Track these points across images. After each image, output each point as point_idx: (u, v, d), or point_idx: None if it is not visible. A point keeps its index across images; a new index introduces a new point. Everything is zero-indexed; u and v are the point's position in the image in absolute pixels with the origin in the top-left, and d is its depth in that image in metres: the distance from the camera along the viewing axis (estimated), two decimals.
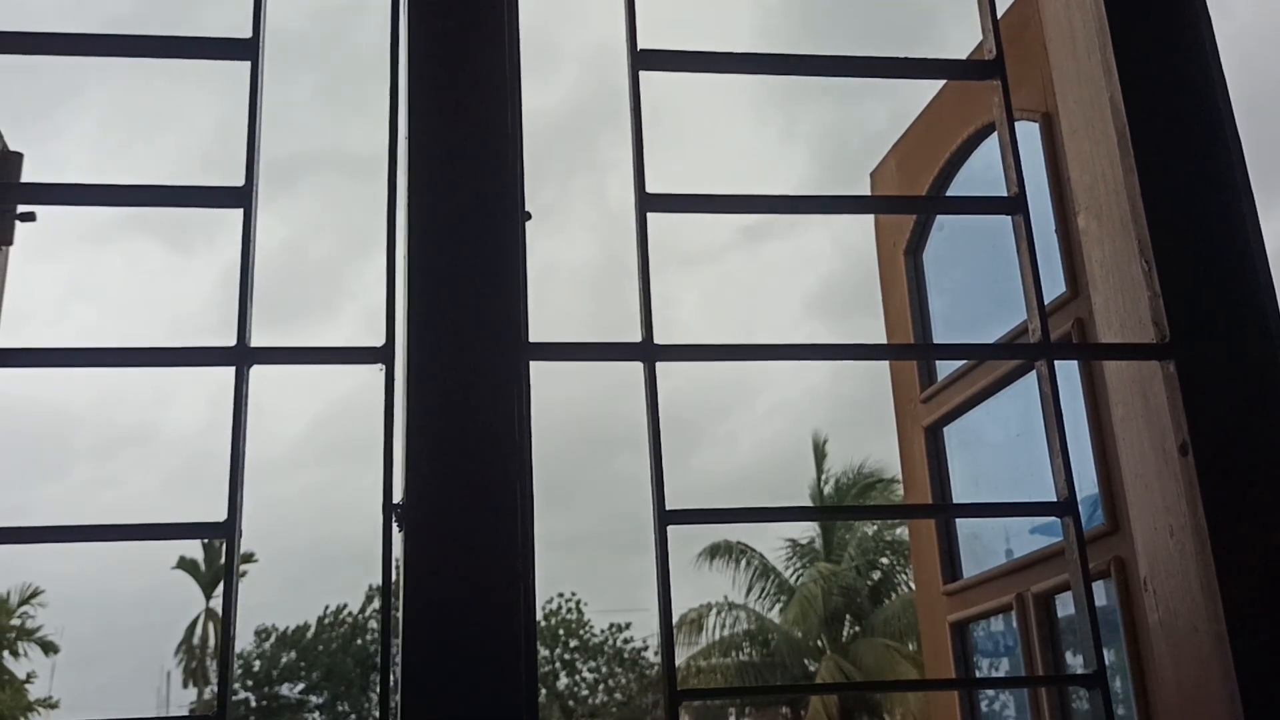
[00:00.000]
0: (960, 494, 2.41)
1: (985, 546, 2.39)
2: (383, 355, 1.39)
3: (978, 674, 2.37)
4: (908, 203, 2.42)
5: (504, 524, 1.33)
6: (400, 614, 1.32)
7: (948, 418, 2.41)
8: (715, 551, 23.11)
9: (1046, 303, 2.02)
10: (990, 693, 2.51)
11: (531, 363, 1.44)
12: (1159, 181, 1.58)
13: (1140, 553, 1.64)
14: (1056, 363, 1.53)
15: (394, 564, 1.33)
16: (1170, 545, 1.57)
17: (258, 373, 1.38)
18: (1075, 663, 2.13)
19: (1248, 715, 1.39)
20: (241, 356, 1.37)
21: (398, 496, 1.35)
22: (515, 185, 1.49)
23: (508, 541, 1.33)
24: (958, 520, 2.46)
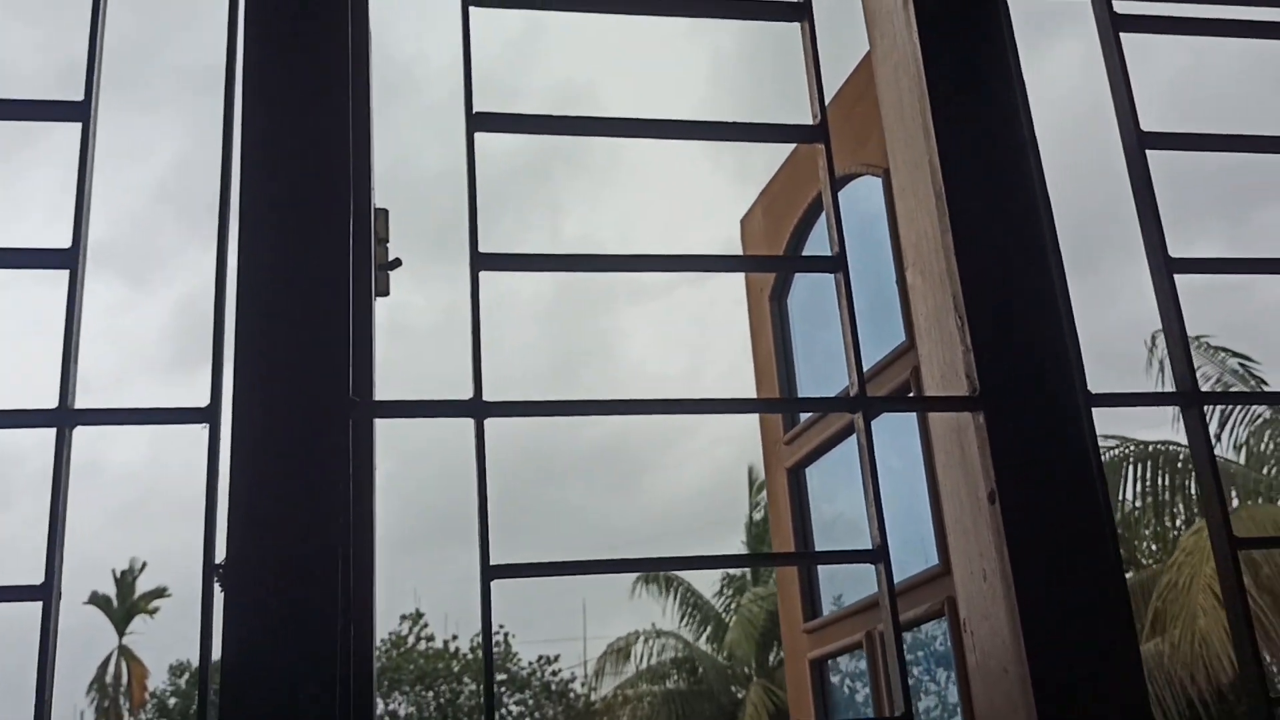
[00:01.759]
0: (819, 534, 2.48)
1: (842, 585, 2.46)
2: (208, 415, 1.41)
3: (836, 709, 2.43)
4: (745, 262, 2.49)
5: (324, 587, 1.35)
6: (218, 675, 1.33)
7: (809, 459, 2.47)
8: (646, 580, 23.11)
9: (889, 351, 2.11)
10: None
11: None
12: (971, 241, 1.66)
13: (960, 595, 1.71)
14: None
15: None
16: (984, 589, 1.64)
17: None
18: (927, 701, 2.19)
19: None
20: (64, 418, 1.38)
21: (221, 555, 1.37)
22: (345, 239, 1.52)
23: (327, 604, 1.35)
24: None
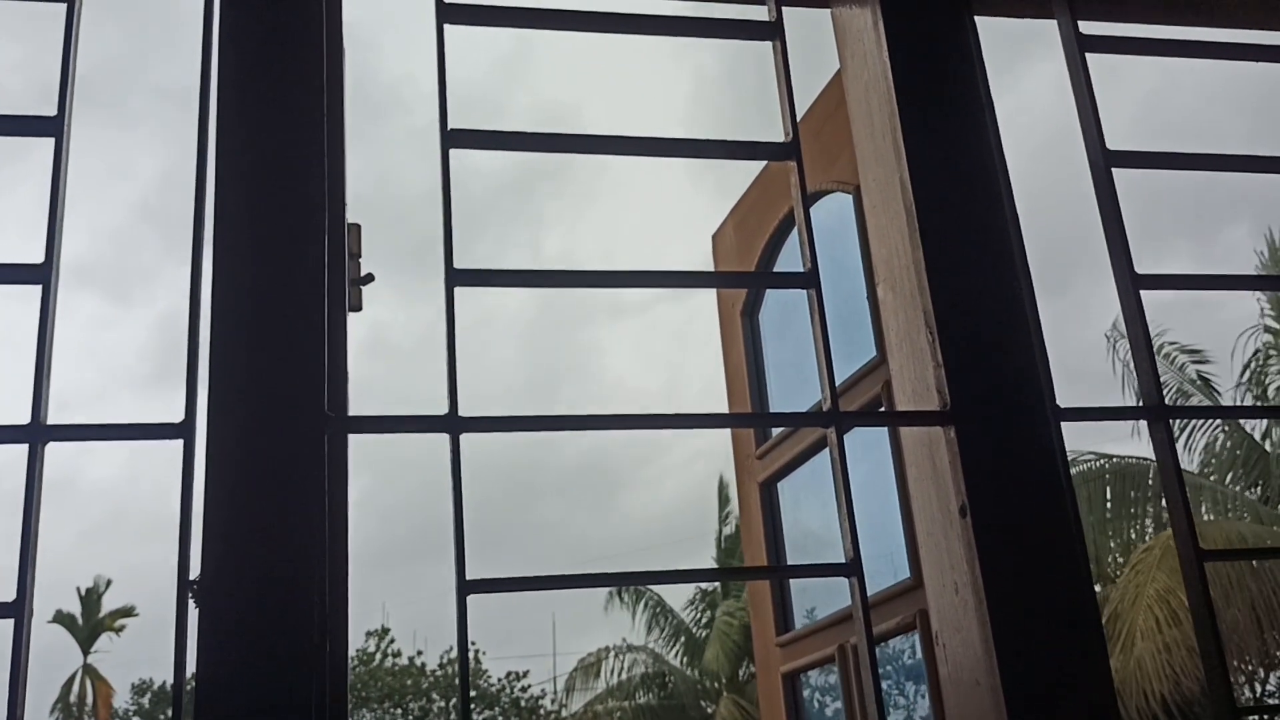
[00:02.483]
0: (791, 547, 2.49)
1: (814, 599, 2.47)
2: (182, 431, 1.40)
3: None
4: (718, 278, 2.51)
5: (300, 603, 1.35)
6: (192, 691, 1.33)
7: (780, 473, 2.49)
8: (619, 594, 23.11)
9: (860, 366, 2.12)
10: None
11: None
12: (941, 258, 1.68)
13: (932, 608, 1.72)
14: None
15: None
16: (956, 601, 1.66)
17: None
18: (896, 716, 2.21)
19: None
20: (36, 434, 1.37)
21: (195, 572, 1.36)
22: (320, 255, 1.52)
23: (303, 620, 1.35)
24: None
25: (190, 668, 1.32)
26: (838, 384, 1.61)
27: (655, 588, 23.72)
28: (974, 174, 1.73)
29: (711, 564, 24.13)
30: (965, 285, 1.67)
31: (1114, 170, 1.78)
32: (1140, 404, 1.72)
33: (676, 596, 24.42)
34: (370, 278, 1.84)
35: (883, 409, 2.03)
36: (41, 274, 1.44)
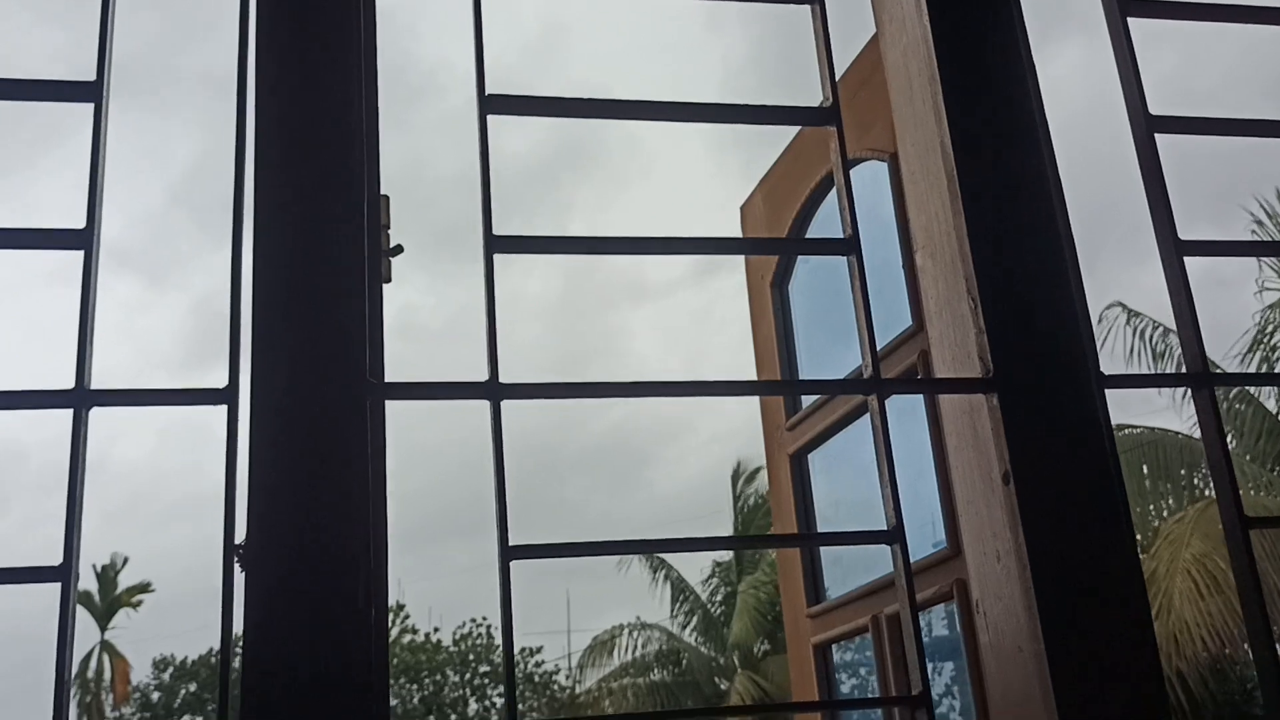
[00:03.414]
0: (823, 519, 2.48)
1: (848, 567, 2.47)
2: (225, 396, 1.40)
3: (838, 695, 2.44)
4: (754, 244, 2.49)
5: (347, 568, 1.35)
6: (239, 658, 1.33)
7: (811, 445, 2.48)
8: (644, 563, 23.30)
9: (895, 335, 2.11)
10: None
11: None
12: (983, 223, 1.66)
13: (972, 576, 1.72)
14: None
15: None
16: (998, 569, 1.65)
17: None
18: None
19: None
20: (80, 399, 1.37)
21: (241, 537, 1.36)
22: (360, 226, 1.51)
23: (349, 580, 1.35)
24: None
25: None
26: (882, 346, 1.60)
27: (674, 564, 23.83)
28: (1016, 138, 1.71)
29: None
30: (1008, 251, 1.66)
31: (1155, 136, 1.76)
32: (1183, 371, 1.70)
33: (693, 572, 24.54)
34: (400, 249, 1.83)
35: (919, 378, 2.02)
36: (83, 239, 1.43)
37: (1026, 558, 1.53)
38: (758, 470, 23.31)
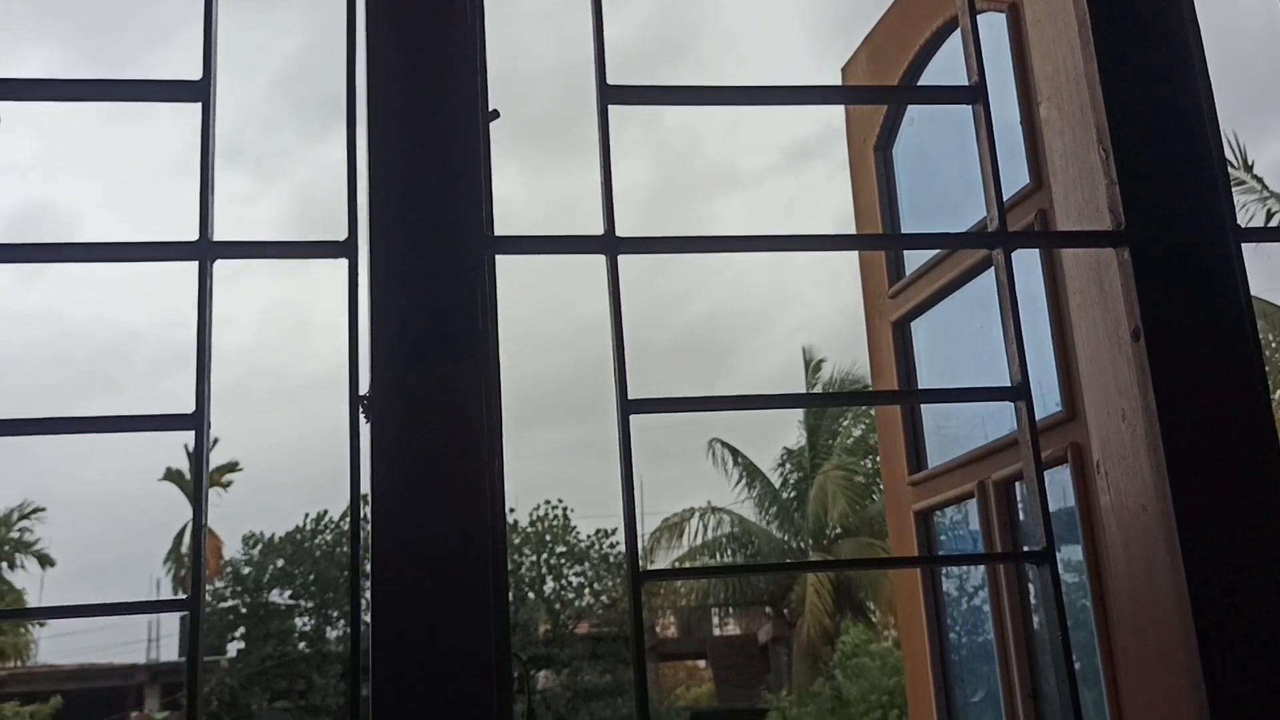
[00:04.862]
0: (927, 387, 2.45)
1: (951, 436, 2.44)
2: (346, 249, 1.40)
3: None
4: (870, 93, 2.40)
5: (470, 413, 1.36)
6: (369, 509, 1.35)
7: (915, 312, 2.43)
8: (705, 455, 23.62)
9: (1011, 194, 2.05)
10: (954, 590, 2.57)
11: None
12: (1118, 70, 1.58)
13: (1094, 436, 1.68)
14: (1021, 253, 1.56)
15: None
16: (1122, 429, 1.61)
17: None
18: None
19: (1191, 589, 1.43)
20: (204, 251, 1.38)
21: (364, 389, 1.37)
22: (474, 80, 1.49)
23: (473, 430, 1.35)
24: (925, 412, 2.50)
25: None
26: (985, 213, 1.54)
27: (746, 452, 24.05)
28: None
29: (799, 427, 24.31)
30: (1142, 99, 1.58)
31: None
32: None
33: (766, 459, 24.74)
34: (496, 114, 1.80)
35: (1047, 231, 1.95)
36: (199, 91, 1.42)
37: (1156, 416, 1.49)
38: (821, 362, 23.29)
